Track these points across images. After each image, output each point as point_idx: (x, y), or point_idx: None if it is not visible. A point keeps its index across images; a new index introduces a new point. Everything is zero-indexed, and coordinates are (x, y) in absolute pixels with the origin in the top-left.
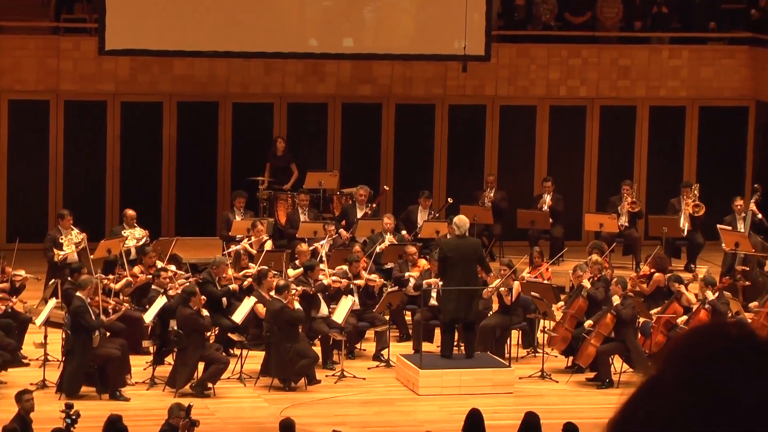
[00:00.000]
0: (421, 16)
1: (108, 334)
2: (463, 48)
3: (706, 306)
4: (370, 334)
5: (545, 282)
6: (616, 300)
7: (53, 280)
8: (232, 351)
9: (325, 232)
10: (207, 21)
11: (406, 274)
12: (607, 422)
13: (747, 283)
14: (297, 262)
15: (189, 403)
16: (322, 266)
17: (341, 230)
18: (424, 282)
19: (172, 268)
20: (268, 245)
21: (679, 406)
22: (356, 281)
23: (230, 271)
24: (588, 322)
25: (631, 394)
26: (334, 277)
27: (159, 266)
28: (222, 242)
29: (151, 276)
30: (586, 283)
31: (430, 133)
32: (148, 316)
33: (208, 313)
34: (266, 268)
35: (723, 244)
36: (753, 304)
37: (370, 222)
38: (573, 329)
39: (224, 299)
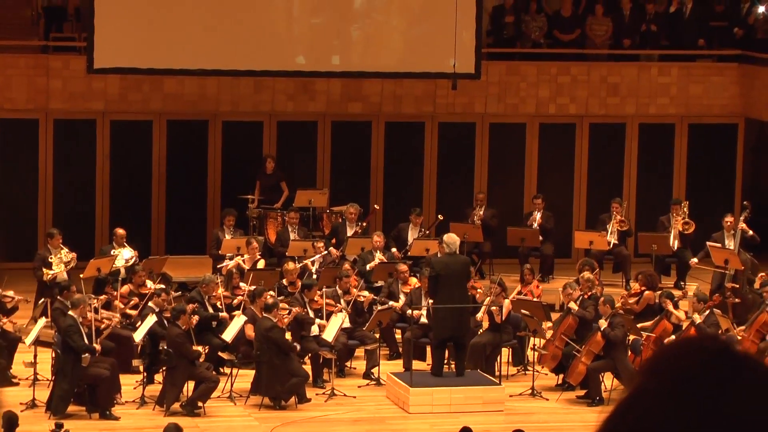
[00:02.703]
0: (410, 34)
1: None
2: (453, 66)
3: (696, 324)
4: (360, 352)
5: (535, 300)
6: (603, 324)
7: (43, 300)
8: (222, 370)
9: (315, 250)
10: (196, 39)
11: (393, 303)
12: None
13: (737, 300)
14: (284, 280)
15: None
16: (318, 293)
17: (331, 248)
18: (415, 312)
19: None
20: (261, 264)
21: (662, 419)
22: (345, 296)
23: (220, 290)
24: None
25: (614, 409)
26: (328, 300)
27: (157, 288)
28: (212, 261)
29: (139, 298)
30: (573, 306)
31: (420, 150)
32: (138, 335)
33: (200, 349)
34: (262, 287)
35: (710, 266)
36: (740, 329)
37: (360, 240)
38: (563, 347)
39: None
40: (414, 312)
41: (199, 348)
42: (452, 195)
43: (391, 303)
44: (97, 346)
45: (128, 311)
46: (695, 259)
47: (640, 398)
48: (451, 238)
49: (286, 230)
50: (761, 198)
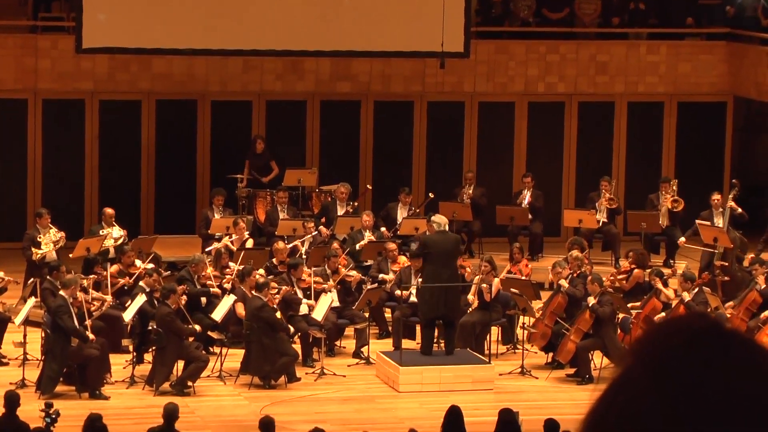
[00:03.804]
0: (399, 13)
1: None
2: (441, 45)
3: (685, 302)
4: (349, 331)
5: (525, 278)
6: (591, 300)
7: (32, 279)
8: (211, 349)
9: (305, 229)
10: (185, 18)
11: (384, 276)
12: (581, 421)
13: (726, 278)
14: (274, 260)
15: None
16: (305, 269)
17: (321, 227)
18: (403, 293)
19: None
20: (249, 243)
21: (650, 400)
22: (334, 275)
23: (209, 270)
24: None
25: (603, 392)
26: (317, 279)
27: (148, 268)
28: (201, 240)
29: (129, 277)
30: (564, 283)
31: (409, 129)
32: (128, 315)
33: (197, 327)
34: (250, 266)
35: (698, 245)
36: (729, 305)
37: (350, 219)
38: (552, 325)
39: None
40: (402, 292)
41: (197, 326)
42: (441, 174)
43: (381, 276)
44: (91, 336)
45: (123, 280)
46: (683, 239)
47: (628, 379)
48: (440, 218)
49: (275, 209)
50: (750, 176)
